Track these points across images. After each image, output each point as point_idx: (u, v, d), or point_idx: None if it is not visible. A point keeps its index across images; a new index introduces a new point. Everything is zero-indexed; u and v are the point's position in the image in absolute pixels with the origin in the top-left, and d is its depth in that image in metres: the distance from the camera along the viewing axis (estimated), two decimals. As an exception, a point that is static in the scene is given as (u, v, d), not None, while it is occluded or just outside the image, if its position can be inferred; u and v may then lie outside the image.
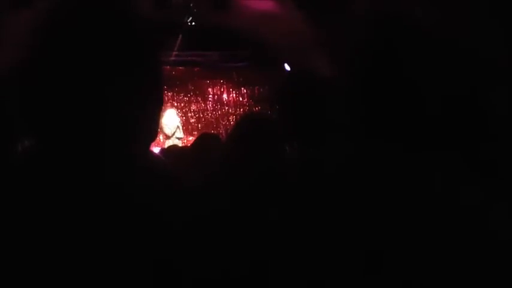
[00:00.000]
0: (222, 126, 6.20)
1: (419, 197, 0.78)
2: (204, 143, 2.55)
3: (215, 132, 5.82)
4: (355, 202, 0.79)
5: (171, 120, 5.84)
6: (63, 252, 0.77)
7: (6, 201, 0.79)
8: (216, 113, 6.27)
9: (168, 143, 5.56)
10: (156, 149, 3.88)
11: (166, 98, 5.96)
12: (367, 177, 0.80)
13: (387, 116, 0.79)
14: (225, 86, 6.30)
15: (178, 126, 5.87)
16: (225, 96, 6.31)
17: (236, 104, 6.29)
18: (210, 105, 6.30)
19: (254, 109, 6.08)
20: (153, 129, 0.88)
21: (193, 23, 4.38)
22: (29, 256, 0.77)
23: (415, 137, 0.79)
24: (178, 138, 5.80)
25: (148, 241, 0.80)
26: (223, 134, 5.61)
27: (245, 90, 6.27)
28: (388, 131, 0.79)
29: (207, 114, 6.26)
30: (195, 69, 6.19)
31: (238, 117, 5.84)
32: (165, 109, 5.86)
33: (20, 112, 0.82)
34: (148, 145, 0.89)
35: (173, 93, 6.18)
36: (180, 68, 6.08)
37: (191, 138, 5.76)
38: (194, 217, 0.86)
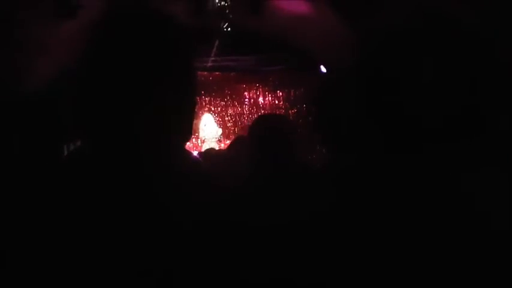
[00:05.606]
0: (258, 130, 6.21)
1: (438, 197, 0.78)
2: (240, 146, 2.58)
3: (252, 135, 5.83)
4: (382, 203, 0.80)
5: (209, 125, 5.92)
6: (107, 246, 0.81)
7: (57, 198, 0.83)
8: (252, 117, 6.29)
9: (205, 146, 5.63)
10: (194, 153, 3.93)
11: (203, 103, 6.03)
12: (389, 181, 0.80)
13: (402, 114, 0.79)
14: (260, 90, 6.32)
15: (217, 132, 5.95)
16: (261, 99, 6.33)
17: (272, 107, 6.30)
18: (246, 109, 6.33)
19: (290, 112, 6.08)
20: (186, 129, 0.91)
21: (229, 29, 4.42)
22: (78, 251, 0.81)
23: (433, 134, 0.79)
24: (215, 142, 5.86)
25: (183, 240, 0.83)
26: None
27: (281, 93, 6.28)
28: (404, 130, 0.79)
29: (244, 118, 6.30)
30: (231, 74, 6.24)
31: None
32: (203, 114, 5.93)
33: (69, 114, 0.87)
34: (183, 145, 0.92)
35: (210, 98, 6.24)
36: (217, 73, 6.14)
37: (228, 142, 5.81)
38: (227, 218, 0.88)
